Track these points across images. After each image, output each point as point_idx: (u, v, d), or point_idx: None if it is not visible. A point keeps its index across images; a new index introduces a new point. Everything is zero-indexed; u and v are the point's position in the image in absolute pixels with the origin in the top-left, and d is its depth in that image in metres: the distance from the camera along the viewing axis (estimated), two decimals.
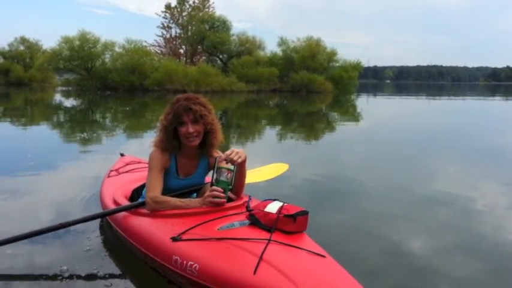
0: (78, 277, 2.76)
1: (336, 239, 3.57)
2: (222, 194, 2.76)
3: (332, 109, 22.08)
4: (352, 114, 18.67)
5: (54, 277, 2.77)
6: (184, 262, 2.37)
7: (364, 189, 5.35)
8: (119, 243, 3.20)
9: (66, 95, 29.12)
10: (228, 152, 2.81)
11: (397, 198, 5.03)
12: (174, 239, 2.49)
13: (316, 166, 6.85)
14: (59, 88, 37.81)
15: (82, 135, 9.62)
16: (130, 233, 2.91)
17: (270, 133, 11.87)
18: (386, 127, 13.62)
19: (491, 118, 18.12)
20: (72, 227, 3.19)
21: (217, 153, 3.07)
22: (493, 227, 4.00)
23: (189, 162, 3.10)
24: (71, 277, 2.76)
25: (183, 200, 2.87)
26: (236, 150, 2.83)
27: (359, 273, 2.23)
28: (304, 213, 2.55)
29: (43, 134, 10.20)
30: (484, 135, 11.71)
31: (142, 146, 4.17)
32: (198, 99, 2.99)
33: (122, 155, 4.98)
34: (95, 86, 33.90)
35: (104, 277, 2.79)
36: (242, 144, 9.10)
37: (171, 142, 2.98)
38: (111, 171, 4.23)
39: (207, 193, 2.79)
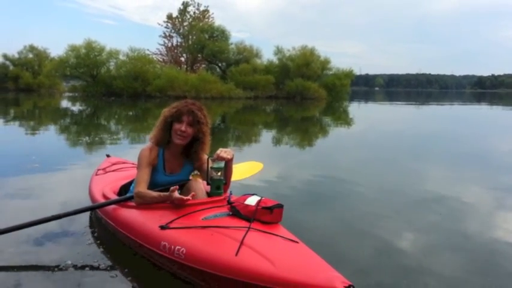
0: (71, 266, 2.85)
1: (324, 237, 3.61)
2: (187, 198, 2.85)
3: (325, 115, 22.07)
4: (344, 120, 18.68)
5: (49, 268, 2.86)
6: (172, 247, 2.52)
7: (353, 191, 5.38)
8: (109, 234, 3.34)
9: (73, 100, 29.15)
10: (217, 152, 3.02)
11: (385, 198, 5.01)
12: (162, 227, 2.65)
13: (308, 168, 6.91)
14: (66, 94, 37.93)
15: (85, 139, 9.64)
16: (120, 223, 3.05)
17: (266, 137, 11.92)
18: (376, 132, 13.62)
19: (476, 124, 18.14)
20: (63, 221, 3.32)
21: (204, 156, 3.24)
22: (477, 227, 3.99)
23: (175, 161, 3.26)
24: (64, 267, 2.85)
25: (160, 193, 3.00)
26: (224, 149, 3.04)
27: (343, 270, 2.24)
28: (280, 206, 2.73)
29: (49, 138, 10.22)
30: (469, 140, 11.69)
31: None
32: (202, 109, 3.19)
33: (108, 156, 5.09)
34: (100, 92, 33.86)
35: (96, 265, 2.89)
36: (239, 147, 9.11)
37: (164, 134, 3.15)
38: (99, 170, 4.35)
39: (175, 195, 2.87)
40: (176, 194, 2.86)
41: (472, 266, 3.16)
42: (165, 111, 3.17)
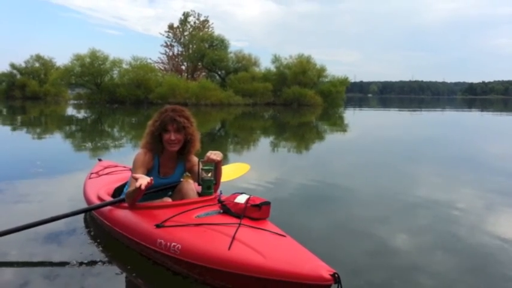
0: (76, 265, 2.90)
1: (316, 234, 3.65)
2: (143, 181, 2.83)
3: (321, 121, 22.03)
4: (339, 126, 18.67)
5: (50, 265, 2.95)
6: (168, 244, 2.60)
7: (346, 193, 5.36)
8: (105, 234, 3.40)
9: (78, 107, 29.20)
10: (208, 154, 3.11)
11: (378, 201, 5.00)
12: (157, 226, 2.73)
13: (302, 171, 6.91)
14: (71, 101, 37.97)
15: (88, 145, 9.64)
16: (117, 223, 3.12)
17: (263, 141, 11.95)
18: (371, 137, 13.59)
19: (467, 129, 18.06)
20: (61, 223, 3.42)
21: (194, 158, 3.35)
22: (468, 229, 3.97)
23: (169, 164, 3.34)
24: (69, 266, 2.89)
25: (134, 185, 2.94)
26: (214, 152, 3.13)
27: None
28: (267, 203, 2.83)
29: (54, 144, 10.24)
30: (460, 145, 11.62)
31: None
32: (183, 111, 3.28)
33: (99, 160, 5.17)
34: (104, 99, 33.98)
35: (98, 263, 2.96)
36: (239, 153, 9.13)
37: (156, 145, 3.22)
38: (92, 173, 4.41)
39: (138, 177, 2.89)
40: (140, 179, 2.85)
41: (463, 266, 3.15)
42: (150, 126, 3.24)
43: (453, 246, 3.52)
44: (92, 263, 2.94)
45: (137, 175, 2.90)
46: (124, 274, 2.82)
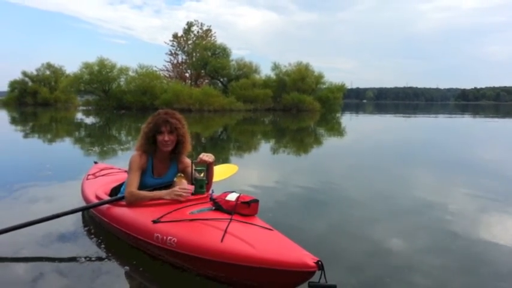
0: (84, 261, 2.96)
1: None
2: (186, 193, 3.11)
3: (319, 126, 22.00)
4: (337, 130, 18.67)
5: (56, 261, 3.00)
6: (164, 237, 2.69)
7: (340, 195, 5.35)
8: (103, 231, 3.49)
9: (87, 113, 29.31)
10: (200, 156, 3.20)
11: (373, 202, 4.97)
12: (154, 221, 2.82)
13: (299, 174, 6.92)
14: (80, 107, 38.22)
15: (95, 149, 9.64)
16: (115, 220, 3.20)
17: (264, 145, 11.98)
18: (366, 141, 13.55)
19: (460, 134, 17.93)
20: (61, 222, 3.47)
21: (187, 160, 3.45)
22: (461, 230, 3.93)
23: (162, 165, 3.43)
24: (78, 261, 2.96)
25: (153, 192, 3.21)
26: (206, 154, 3.22)
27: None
28: (256, 201, 2.93)
29: (63, 148, 10.30)
30: (454, 149, 11.53)
31: None
32: (175, 114, 3.37)
33: (95, 162, 5.24)
34: (112, 105, 34.20)
35: (96, 258, 3.02)
36: (239, 155, 9.16)
37: (150, 146, 3.31)
38: (88, 175, 4.48)
39: (175, 188, 3.17)
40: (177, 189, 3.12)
41: (456, 266, 3.13)
42: (144, 128, 3.32)
43: (447, 247, 3.49)
44: (94, 258, 3.01)
45: (182, 188, 3.12)
46: (124, 267, 2.89)
